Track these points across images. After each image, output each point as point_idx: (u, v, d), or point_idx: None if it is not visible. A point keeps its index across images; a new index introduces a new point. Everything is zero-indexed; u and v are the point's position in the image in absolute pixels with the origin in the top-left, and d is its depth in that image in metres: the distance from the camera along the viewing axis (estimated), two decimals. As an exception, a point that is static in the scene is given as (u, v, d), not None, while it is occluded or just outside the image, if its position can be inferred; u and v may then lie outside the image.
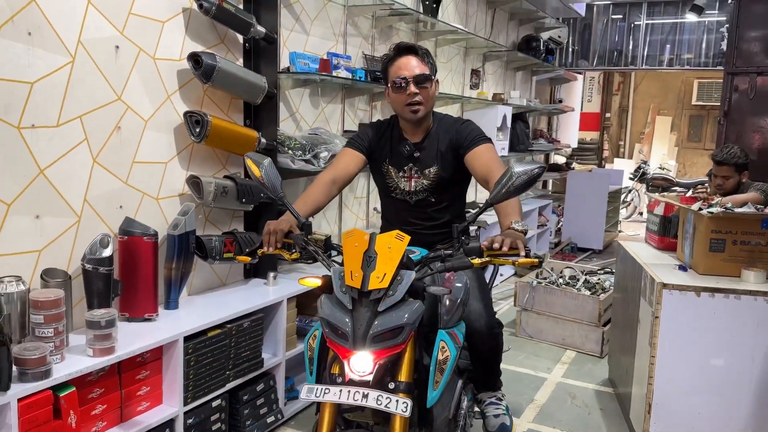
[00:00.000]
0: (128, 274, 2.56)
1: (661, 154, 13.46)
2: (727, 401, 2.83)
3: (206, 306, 2.88)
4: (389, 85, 2.33)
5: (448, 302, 2.02)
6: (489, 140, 2.38)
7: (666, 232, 3.58)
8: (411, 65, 2.27)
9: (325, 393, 1.68)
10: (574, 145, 9.85)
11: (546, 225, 7.53)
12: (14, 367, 1.96)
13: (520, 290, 4.67)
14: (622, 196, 10.52)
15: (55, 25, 2.30)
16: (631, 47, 8.91)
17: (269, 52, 3.19)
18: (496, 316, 2.37)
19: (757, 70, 4.61)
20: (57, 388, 2.07)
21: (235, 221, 3.27)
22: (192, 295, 3.02)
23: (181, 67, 2.84)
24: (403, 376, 1.74)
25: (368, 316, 1.65)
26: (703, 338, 2.83)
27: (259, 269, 3.35)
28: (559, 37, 8.38)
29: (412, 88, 2.26)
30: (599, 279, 4.79)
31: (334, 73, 3.57)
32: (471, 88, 5.87)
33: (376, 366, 1.67)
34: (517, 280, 4.83)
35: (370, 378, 1.67)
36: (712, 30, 8.26)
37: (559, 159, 9.81)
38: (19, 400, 1.94)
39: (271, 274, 3.22)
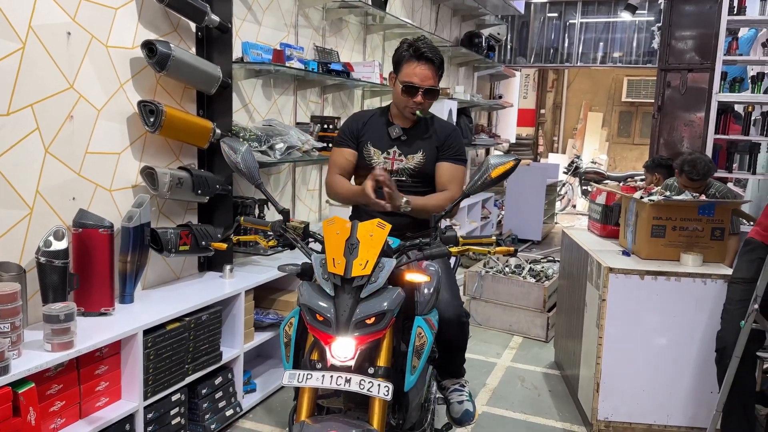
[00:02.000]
0: (83, 267, 2.49)
1: (593, 148, 13.99)
2: (669, 377, 3.01)
3: (162, 300, 2.83)
4: (399, 81, 2.41)
5: (425, 290, 2.08)
6: (465, 162, 2.56)
7: (608, 221, 3.75)
8: (426, 75, 2.37)
9: (307, 378, 1.69)
10: (513, 140, 10.12)
11: (488, 217, 7.73)
12: (-30, 364, 1.89)
13: (469, 279, 4.78)
14: (558, 189, 10.89)
15: (5, 9, 2.20)
16: (566, 45, 9.23)
17: (223, 42, 3.15)
18: (463, 306, 2.44)
19: (687, 66, 4.88)
20: (15, 384, 2.00)
21: (189, 213, 3.22)
22: (146, 289, 2.96)
23: (133, 55, 2.77)
24: (382, 361, 1.78)
25: (351, 303, 1.68)
26: (647, 319, 3.00)
27: (213, 262, 3.32)
28: (498, 34, 8.59)
29: (419, 98, 2.38)
30: (543, 267, 4.97)
31: (288, 64, 3.56)
32: (417, 82, 5.94)
33: (358, 351, 1.69)
34: (466, 270, 4.94)
35: (351, 363, 1.69)
36: (642, 29, 8.66)
37: (498, 153, 10.06)
38: (-23, 397, 1.87)
39: (227, 267, 3.19)
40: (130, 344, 2.47)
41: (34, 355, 2.12)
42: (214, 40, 3.17)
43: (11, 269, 2.23)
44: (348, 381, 1.67)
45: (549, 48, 9.34)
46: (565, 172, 11.76)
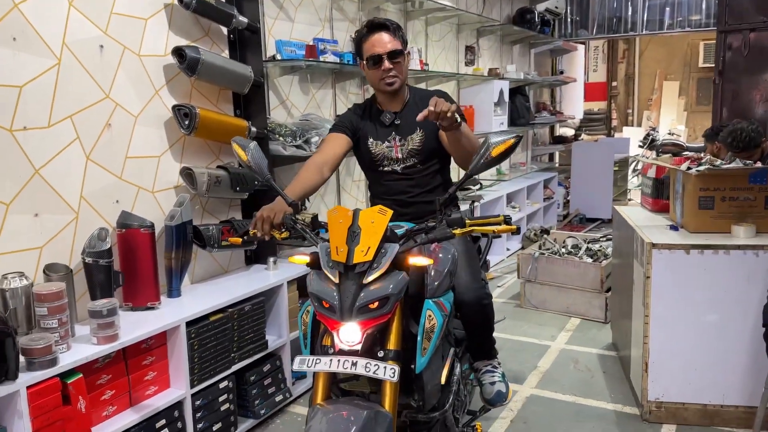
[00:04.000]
0: (128, 265, 2.65)
1: (670, 119, 13.32)
2: (723, 355, 2.87)
3: (208, 293, 2.97)
4: (364, 62, 2.42)
5: (433, 272, 2.09)
6: (463, 118, 2.44)
7: (659, 194, 3.61)
8: (384, 41, 2.36)
9: (316, 363, 1.75)
10: (580, 116, 9.80)
11: (552, 198, 7.54)
12: (22, 358, 2.07)
13: (523, 262, 4.71)
14: (632, 165, 10.45)
15: (39, 29, 2.38)
16: (630, 13, 8.80)
17: (253, 42, 3.25)
18: (486, 287, 2.43)
19: (749, 26, 4.57)
20: (65, 375, 2.18)
21: (233, 210, 3.36)
22: (195, 283, 3.12)
23: (167, 62, 2.91)
24: (392, 344, 1.81)
25: (354, 289, 1.71)
26: (695, 295, 2.87)
27: (259, 255, 3.44)
28: (557, 7, 8.32)
29: (387, 64, 2.36)
30: (601, 246, 4.82)
31: (321, 59, 3.62)
32: (466, 65, 5.88)
33: (364, 335, 1.73)
34: (520, 253, 4.87)
35: (359, 347, 1.74)
36: (710, -10, 8.15)
37: (567, 131, 9.77)
38: (28, 387, 2.05)
39: (271, 259, 3.30)
40: (174, 335, 2.62)
41: (82, 349, 2.29)
42: (246, 41, 3.27)
43: (59, 270, 2.41)
44: (354, 364, 1.71)
45: (612, 17, 8.94)
46: (640, 146, 11.27)
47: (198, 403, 2.72)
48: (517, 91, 6.50)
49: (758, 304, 2.78)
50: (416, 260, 1.89)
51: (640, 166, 11.31)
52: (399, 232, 2.03)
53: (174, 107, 2.91)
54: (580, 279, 4.47)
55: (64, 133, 2.49)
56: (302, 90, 3.81)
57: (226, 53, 3.23)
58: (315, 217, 2.16)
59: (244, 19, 3.11)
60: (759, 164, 3.23)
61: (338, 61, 3.77)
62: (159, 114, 2.90)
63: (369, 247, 1.76)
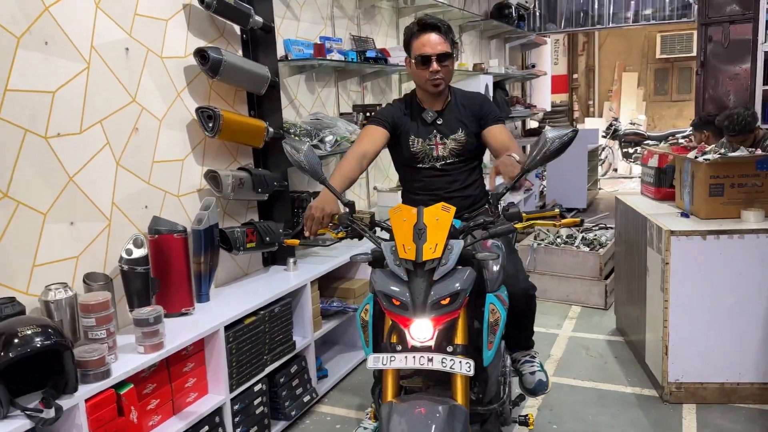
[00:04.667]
0: (162, 271, 2.61)
1: (630, 109, 13.72)
2: (739, 336, 3.01)
3: (236, 296, 2.94)
4: (412, 60, 2.43)
5: (493, 267, 2.13)
6: (504, 120, 2.55)
7: (662, 183, 3.73)
8: (434, 42, 2.36)
9: (391, 360, 1.78)
10: (548, 108, 10.00)
11: (531, 189, 7.68)
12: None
13: (521, 253, 4.80)
14: (598, 154, 10.73)
15: (69, 32, 2.31)
16: (596, 6, 9.04)
17: (267, 42, 3.22)
18: (529, 279, 2.48)
19: (729, 18, 4.76)
20: (116, 386, 2.14)
21: (250, 212, 3.33)
22: (219, 286, 3.08)
23: (186, 63, 2.86)
24: (459, 339, 1.84)
25: (425, 286, 1.74)
26: (712, 279, 2.99)
27: (277, 256, 3.42)
28: (527, 2, 8.47)
29: (435, 66, 2.37)
30: (595, 235, 4.95)
31: (329, 57, 3.61)
32: (451, 60, 5.93)
33: (436, 332, 1.76)
34: (518, 244, 4.96)
35: (431, 343, 1.76)
36: (674, -17, 8.43)
37: (533, 123, 9.96)
38: (86, 400, 2.00)
39: (291, 260, 3.29)
40: (213, 340, 2.59)
41: (129, 358, 2.25)
42: (259, 41, 3.24)
43: (99, 279, 2.35)
44: (431, 360, 1.74)
45: (579, 11, 9.16)
46: (603, 136, 11.57)
47: (236, 407, 2.70)
48: (498, 85, 6.60)
49: (772, 285, 2.92)
50: (483, 256, 1.91)
51: (603, 156, 11.65)
52: (456, 226, 2.05)
53: (197, 110, 2.86)
54: (579, 268, 4.59)
55: (95, 139, 2.43)
56: (308, 89, 3.80)
57: (240, 53, 3.19)
58: (372, 216, 2.17)
59: (259, 19, 3.08)
60: (759, 151, 3.39)
61: (343, 59, 3.77)
62: (181, 117, 2.85)
63: (437, 244, 1.78)
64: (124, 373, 2.15)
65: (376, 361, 1.79)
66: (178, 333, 2.47)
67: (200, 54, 2.80)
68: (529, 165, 1.97)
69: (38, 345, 1.86)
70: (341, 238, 2.13)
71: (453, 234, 1.89)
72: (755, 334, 2.99)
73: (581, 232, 5.04)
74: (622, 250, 3.93)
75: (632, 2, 8.86)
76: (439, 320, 1.76)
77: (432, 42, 2.37)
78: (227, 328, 2.63)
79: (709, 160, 3.10)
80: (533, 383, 2.52)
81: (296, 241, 2.24)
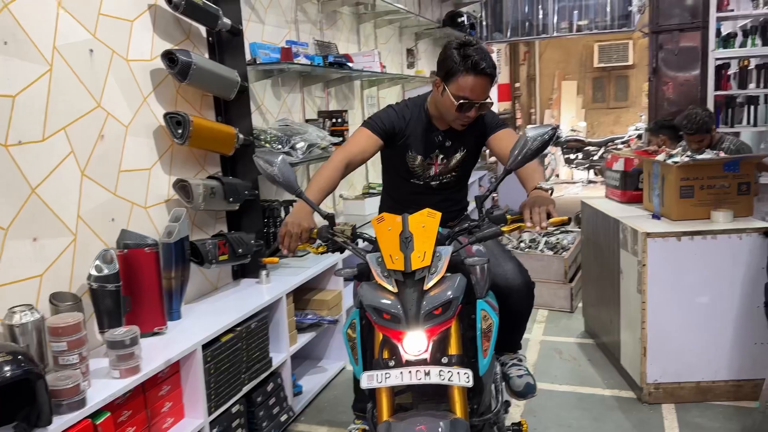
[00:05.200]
0: (132, 288, 2.43)
1: (570, 117, 14.11)
2: (713, 334, 3.06)
3: (209, 312, 2.78)
4: (451, 95, 2.20)
5: (479, 272, 2.07)
6: (507, 125, 2.48)
7: (628, 186, 3.79)
8: (481, 90, 2.18)
9: (386, 378, 1.68)
10: (496, 115, 10.13)
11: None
12: (48, 400, 1.83)
13: (487, 259, 4.79)
14: (544, 160, 10.97)
15: (30, 32, 2.12)
16: (541, 16, 9.24)
17: (235, 45, 3.09)
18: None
19: (678, 27, 4.92)
20: (92, 416, 1.96)
21: (219, 223, 3.17)
22: (188, 303, 2.90)
23: (153, 67, 2.70)
24: (453, 349, 1.77)
25: (416, 296, 1.66)
26: (687, 279, 3.04)
27: (247, 269, 3.27)
28: (474, 11, 8.58)
29: (474, 113, 2.22)
30: (557, 239, 5.01)
31: (296, 61, 3.50)
32: (408, 67, 5.92)
33: (430, 343, 1.68)
34: (482, 249, 4.95)
35: (426, 356, 1.68)
36: (614, -7, 8.72)
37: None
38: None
39: (263, 272, 3.15)
40: (189, 361, 2.43)
41: (104, 384, 2.07)
42: (225, 44, 3.10)
43: (66, 299, 2.16)
44: (428, 374, 1.66)
45: (524, 21, 9.35)
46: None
47: (215, 431, 2.54)
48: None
49: (743, 283, 2.99)
50: (473, 261, 1.85)
51: (547, 162, 11.92)
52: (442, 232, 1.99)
53: (166, 115, 2.70)
54: (544, 271, 4.61)
55: (58, 147, 2.24)
56: (275, 95, 3.67)
57: (206, 57, 3.04)
58: (354, 228, 2.06)
59: (228, 21, 2.94)
60: (722, 153, 3.48)
61: (310, 64, 3.66)
62: (148, 123, 2.68)
63: (425, 252, 1.70)
64: (101, 401, 1.98)
65: (371, 379, 1.69)
66: (152, 354, 2.30)
67: (168, 57, 2.64)
68: (511, 165, 1.91)
69: (8, 375, 1.68)
70: (322, 253, 2.01)
71: (440, 240, 1.82)
72: (728, 333, 3.06)
73: (543, 236, 5.08)
74: (590, 254, 3.97)
75: (575, 12, 9.10)
76: (433, 331, 1.67)
77: (479, 89, 2.17)
78: (204, 347, 2.47)
79: (678, 162, 3.16)
80: (522, 386, 2.47)
81: (275, 260, 2.13)
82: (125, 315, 2.40)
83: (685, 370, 3.10)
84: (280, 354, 3.04)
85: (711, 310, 3.05)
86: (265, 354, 2.89)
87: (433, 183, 2.43)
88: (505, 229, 1.89)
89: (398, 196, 2.54)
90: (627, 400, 3.21)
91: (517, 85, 14.35)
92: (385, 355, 1.76)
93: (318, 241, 2.02)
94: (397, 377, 1.67)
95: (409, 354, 1.67)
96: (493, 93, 9.95)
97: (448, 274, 1.75)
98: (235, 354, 2.64)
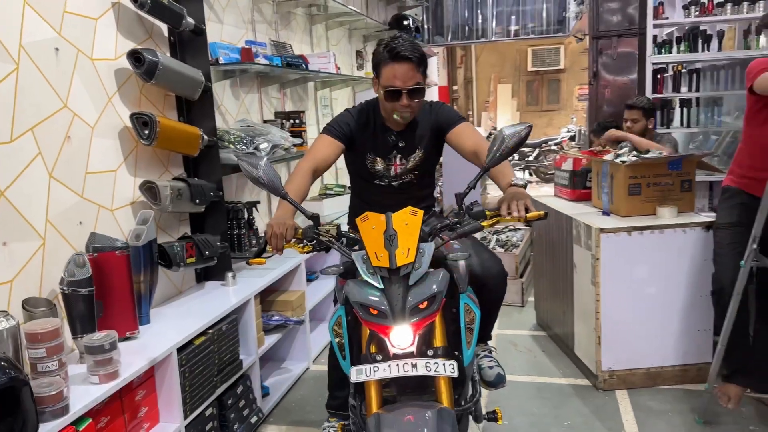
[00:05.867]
0: (103, 292, 2.37)
1: (506, 119, 14.52)
2: (661, 323, 3.26)
3: (178, 315, 2.75)
4: (381, 89, 2.27)
5: (461, 267, 2.15)
6: (465, 119, 2.50)
7: (576, 185, 3.97)
8: (406, 75, 2.20)
9: (375, 371, 1.74)
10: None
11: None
12: (30, 409, 1.78)
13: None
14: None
15: (-3, 29, 2.05)
16: (480, 21, 9.49)
17: (197, 45, 3.05)
18: None
19: (617, 32, 5.19)
20: (74, 422, 1.91)
21: (183, 225, 3.13)
22: (155, 307, 2.85)
23: (117, 66, 2.64)
24: (438, 341, 1.84)
25: (401, 291, 1.73)
26: (637, 271, 3.22)
27: (211, 272, 3.24)
28: (416, 14, 8.72)
29: (405, 101, 2.23)
30: (507, 236, 5.17)
31: (257, 62, 3.49)
32: (357, 69, 5.97)
33: (416, 337, 1.75)
34: (435, 248, 5.06)
35: (412, 349, 1.75)
36: (550, 0, 9.06)
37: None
38: (46, 441, 1.78)
39: (229, 275, 3.13)
40: (164, 365, 2.40)
41: (83, 390, 2.02)
42: (186, 44, 3.07)
43: (40, 304, 2.10)
44: (414, 366, 1.73)
45: (463, 25, 9.57)
46: (485, 144, 12.15)
47: (190, 435, 2.52)
48: (400, 95, 6.71)
49: (687, 274, 3.21)
50: (455, 256, 1.95)
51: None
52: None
53: (132, 116, 2.65)
54: (496, 269, 4.75)
55: (26, 148, 2.17)
56: (234, 95, 3.65)
57: (168, 57, 3.00)
58: (339, 227, 2.10)
59: (191, 20, 2.92)
60: (666, 150, 3.71)
61: (269, 64, 3.66)
62: (113, 124, 2.62)
63: (409, 249, 1.77)
64: (83, 407, 1.94)
65: (360, 373, 1.75)
66: (128, 359, 2.26)
67: (134, 56, 2.60)
68: (489, 163, 1.98)
69: (-6, 382, 1.63)
70: (308, 252, 2.04)
71: (422, 237, 1.87)
72: (675, 321, 3.26)
73: (494, 234, 5.24)
74: (543, 250, 4.14)
75: (513, 17, 9.39)
76: (419, 325, 1.74)
77: (403, 74, 2.19)
78: (179, 350, 2.44)
79: (626, 162, 3.35)
80: (493, 376, 2.55)
81: (263, 261, 2.14)
82: (97, 320, 2.34)
83: (637, 358, 3.29)
84: (249, 356, 3.03)
85: (659, 300, 3.25)
86: (236, 356, 2.88)
87: (395, 183, 2.48)
88: (485, 224, 1.97)
89: (365, 198, 2.58)
90: (583, 387, 3.37)
91: (455, 87, 14.66)
92: (373, 349, 1.82)
93: (304, 241, 2.05)
94: (385, 370, 1.73)
95: (397, 348, 1.73)
96: (434, 94, 10.18)
97: (432, 270, 1.81)
98: (208, 357, 2.62)
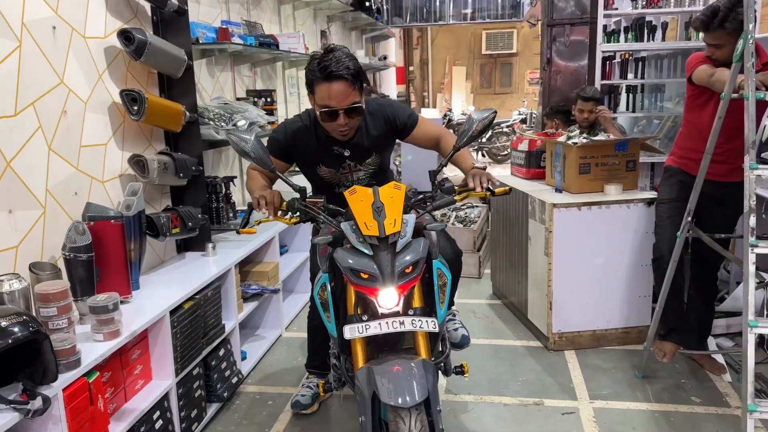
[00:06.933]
0: (99, 259, 2.52)
1: (461, 101, 14.85)
2: (606, 290, 3.60)
3: (165, 282, 2.91)
4: (317, 108, 2.28)
5: (434, 237, 2.39)
6: (417, 115, 2.60)
7: (531, 165, 4.27)
8: (340, 95, 2.19)
9: (366, 329, 1.95)
10: (394, 98, 10.55)
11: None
12: (46, 361, 1.95)
13: (403, 232, 5.16)
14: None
15: (2, 7, 2.16)
16: (437, 3, 9.72)
17: (179, 24, 3.18)
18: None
19: (569, 21, 5.50)
20: (84, 375, 2.09)
21: (164, 198, 3.27)
22: (141, 275, 3.00)
23: (106, 44, 2.76)
24: (417, 302, 2.06)
25: (390, 257, 1.93)
26: (586, 243, 3.54)
27: (190, 243, 3.40)
28: (376, -4, 8.87)
29: (342, 120, 2.25)
30: (466, 213, 5.47)
31: (233, 41, 3.63)
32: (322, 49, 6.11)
33: (401, 298, 1.96)
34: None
35: (398, 309, 1.96)
36: (506, -15, 9.36)
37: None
38: (63, 389, 1.95)
39: (210, 246, 3.30)
40: (158, 326, 2.58)
41: (89, 347, 2.19)
42: (168, 24, 3.18)
43: (46, 268, 2.25)
44: (402, 323, 1.93)
45: (422, 7, 9.78)
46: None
47: (180, 391, 2.70)
48: (362, 75, 6.90)
49: (631, 246, 3.55)
50: (433, 227, 2.16)
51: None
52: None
53: (122, 92, 2.78)
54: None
55: (28, 122, 2.30)
56: (209, 73, 3.78)
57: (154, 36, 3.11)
58: (326, 199, 2.26)
59: (175, 1, 3.04)
60: (615, 133, 4.04)
61: (243, 44, 3.80)
62: (103, 99, 2.75)
63: (395, 219, 1.97)
64: (92, 361, 2.11)
65: (353, 331, 1.94)
66: (125, 321, 2.42)
67: (124, 35, 2.72)
68: (459, 144, 2.21)
69: (20, 336, 1.79)
70: (295, 223, 2.22)
71: (404, 210, 2.06)
72: (619, 288, 3.61)
73: (453, 211, 5.52)
74: (500, 225, 4.44)
75: (469, 1, 9.66)
76: (404, 287, 1.94)
77: (338, 94, 2.18)
78: (170, 313, 2.62)
79: (578, 143, 3.66)
80: (458, 338, 2.81)
81: (254, 230, 2.32)
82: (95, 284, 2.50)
83: (584, 321, 3.63)
84: (230, 321, 3.22)
85: (605, 269, 3.58)
86: (219, 321, 3.06)
87: (355, 182, 2.54)
88: (457, 197, 2.22)
89: (328, 199, 2.40)
90: (535, 348, 3.70)
91: (411, 68, 14.87)
92: (360, 311, 2.04)
93: (289, 213, 2.24)
94: (375, 327, 1.94)
95: (384, 308, 1.94)
96: (392, 75, 10.37)
97: (414, 238, 2.03)
98: (196, 320, 2.81)
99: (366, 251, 1.94)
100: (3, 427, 1.74)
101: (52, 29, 2.42)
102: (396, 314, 1.96)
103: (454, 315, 2.94)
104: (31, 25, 2.30)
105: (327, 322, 2.15)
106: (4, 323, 1.78)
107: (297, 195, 2.21)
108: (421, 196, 2.25)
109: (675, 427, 2.81)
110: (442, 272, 2.20)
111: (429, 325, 1.96)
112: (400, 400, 1.79)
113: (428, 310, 2.11)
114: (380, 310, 1.95)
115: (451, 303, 2.86)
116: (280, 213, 2.23)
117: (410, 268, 1.94)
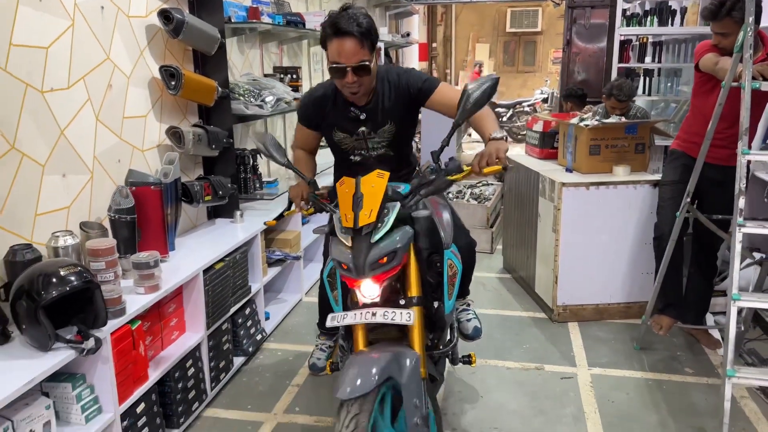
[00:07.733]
0: (141, 221, 2.77)
1: (483, 78, 14.87)
2: (610, 266, 3.79)
3: (198, 245, 3.16)
4: (328, 65, 2.26)
5: (446, 225, 2.36)
6: (439, 80, 2.48)
7: (545, 145, 4.44)
8: (349, 52, 2.16)
9: (343, 318, 1.96)
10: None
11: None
12: (96, 308, 2.20)
13: (420, 207, 5.36)
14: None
15: (57, -11, 2.39)
16: (462, -19, 9.78)
17: (214, 3, 3.38)
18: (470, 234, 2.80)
19: (591, 4, 5.59)
20: (128, 322, 2.35)
21: (197, 167, 3.51)
22: (177, 238, 3.26)
23: (147, 23, 2.98)
24: (412, 291, 2.03)
25: (364, 249, 1.87)
26: (593, 221, 3.73)
27: (220, 210, 3.64)
28: (399, -28, 8.95)
29: (350, 78, 2.21)
30: (480, 190, 5.65)
31: (262, 20, 3.82)
32: (346, 26, 6.27)
33: (381, 288, 1.93)
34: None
35: (378, 299, 1.94)
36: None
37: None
38: (111, 333, 2.21)
39: (238, 213, 3.55)
40: (192, 283, 2.83)
41: (132, 299, 2.44)
42: (203, 3, 3.39)
43: (94, 227, 2.50)
44: (374, 315, 1.91)
45: (446, -16, 9.84)
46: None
47: (210, 344, 2.97)
48: (386, 53, 7.05)
49: (636, 225, 3.72)
50: (417, 213, 2.04)
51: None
52: (402, 191, 2.13)
53: (161, 68, 3.00)
54: (469, 218, 5.24)
55: (79, 95, 2.53)
56: (239, 50, 3.99)
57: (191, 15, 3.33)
58: (330, 190, 2.38)
59: (210, -18, 3.24)
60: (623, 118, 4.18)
61: (272, 22, 3.99)
62: (144, 75, 2.98)
63: (372, 210, 1.91)
64: (135, 311, 2.36)
65: (333, 319, 1.96)
66: (163, 277, 2.68)
67: (164, 15, 2.94)
68: (459, 118, 2.02)
69: (77, 284, 2.05)
70: (311, 214, 2.36)
71: (392, 198, 2.01)
72: (622, 265, 3.80)
73: (468, 188, 5.71)
74: (512, 202, 4.62)
75: (494, -21, 9.71)
76: (379, 278, 1.90)
77: (347, 51, 2.15)
78: (204, 272, 2.88)
79: (589, 125, 3.82)
80: (470, 329, 2.82)
81: (274, 222, 2.52)
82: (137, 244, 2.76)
83: (587, 295, 3.83)
84: (255, 284, 3.47)
85: (610, 246, 3.77)
86: (246, 282, 3.32)
87: (371, 155, 2.51)
88: (454, 178, 2.05)
89: (345, 173, 2.41)
90: (540, 320, 3.91)
91: (434, 45, 14.92)
92: (354, 298, 2.05)
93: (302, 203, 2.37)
94: (351, 318, 1.94)
95: (366, 298, 1.94)
96: (415, 52, 10.47)
97: (401, 227, 1.96)
98: (226, 280, 3.06)
99: (346, 243, 1.92)
100: (62, 362, 2.01)
101: (101, 9, 2.64)
102: (375, 305, 1.96)
103: (469, 305, 2.94)
104: (82, 5, 2.52)
105: (334, 306, 2.20)
106: (63, 272, 2.03)
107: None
108: (424, 180, 2.10)
109: (666, 394, 3.02)
110: (453, 263, 2.22)
111: (403, 317, 1.90)
112: (338, 392, 1.76)
113: (425, 299, 2.07)
114: (362, 300, 1.96)
115: (465, 293, 2.94)
116: (303, 204, 2.35)
117: (385, 258, 1.88)
